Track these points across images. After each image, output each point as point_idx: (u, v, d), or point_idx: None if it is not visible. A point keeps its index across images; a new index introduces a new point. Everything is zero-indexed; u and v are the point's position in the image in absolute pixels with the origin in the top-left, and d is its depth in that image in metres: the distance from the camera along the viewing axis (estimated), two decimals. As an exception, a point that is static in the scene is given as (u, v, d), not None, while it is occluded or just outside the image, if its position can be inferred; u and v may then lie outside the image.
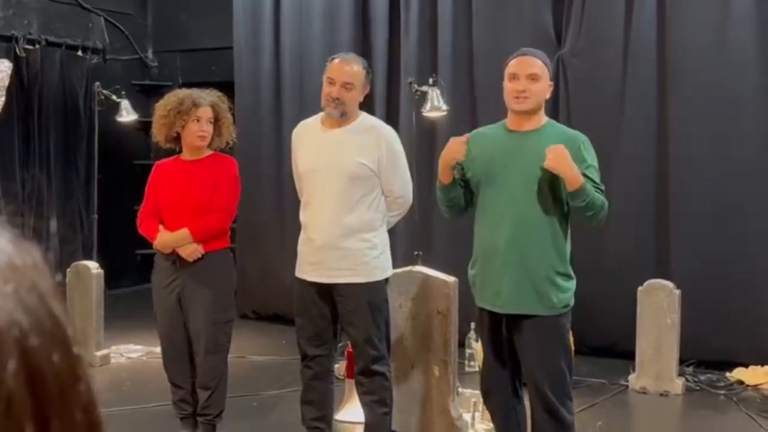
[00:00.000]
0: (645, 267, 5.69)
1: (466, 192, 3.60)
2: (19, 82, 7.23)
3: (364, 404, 3.98)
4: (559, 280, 3.42)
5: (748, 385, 5.37)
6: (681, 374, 5.35)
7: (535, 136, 3.45)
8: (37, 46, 7.47)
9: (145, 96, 8.12)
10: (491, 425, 3.93)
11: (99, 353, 5.79)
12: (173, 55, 8.66)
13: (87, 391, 0.53)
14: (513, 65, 3.48)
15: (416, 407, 4.36)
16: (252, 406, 5.05)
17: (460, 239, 4.92)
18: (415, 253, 5.17)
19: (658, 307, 5.22)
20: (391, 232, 4.10)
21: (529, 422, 3.57)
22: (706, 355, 5.59)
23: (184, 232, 4.02)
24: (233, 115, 4.42)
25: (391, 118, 6.17)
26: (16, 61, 7.09)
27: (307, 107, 5.81)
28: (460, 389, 4.76)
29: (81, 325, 5.64)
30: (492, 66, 5.29)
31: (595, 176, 3.40)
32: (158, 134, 4.14)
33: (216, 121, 4.14)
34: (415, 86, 5.46)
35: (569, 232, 3.49)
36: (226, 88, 5.01)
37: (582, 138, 3.47)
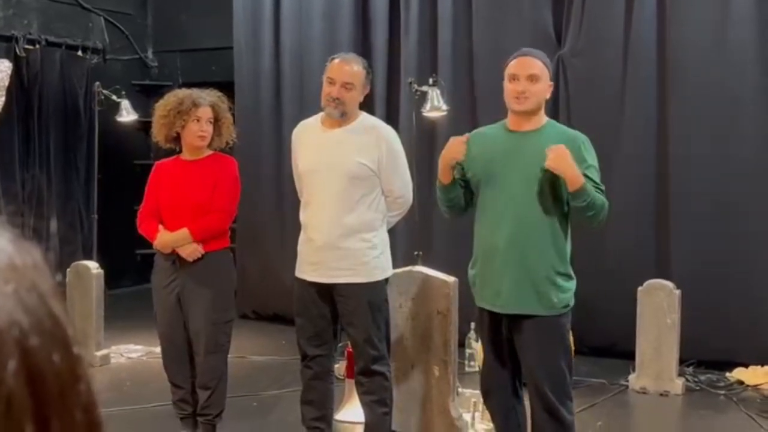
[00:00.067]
0: (645, 267, 5.69)
1: (466, 192, 3.60)
2: (19, 82, 7.23)
3: (364, 404, 3.98)
4: (559, 280, 3.42)
5: (748, 385, 5.37)
6: (681, 374, 5.35)
7: (536, 136, 3.45)
8: (37, 46, 7.47)
9: (145, 96, 8.12)
10: (491, 425, 3.93)
11: (99, 353, 5.79)
12: (173, 55, 8.66)
13: (87, 391, 0.53)
14: (513, 66, 3.47)
15: (416, 407, 4.36)
16: (252, 406, 5.05)
17: (460, 239, 4.92)
18: (415, 253, 5.17)
19: (658, 307, 5.22)
20: (391, 232, 4.10)
21: (529, 422, 3.57)
22: (706, 355, 5.59)
23: (184, 232, 4.02)
24: (233, 115, 4.42)
25: (391, 118, 6.17)
26: (16, 61, 7.09)
27: (307, 107, 5.81)
28: (460, 389, 4.76)
29: (81, 325, 5.64)
30: (492, 66, 5.29)
31: (596, 176, 3.40)
32: (158, 134, 4.14)
33: (216, 121, 4.14)
34: (415, 86, 5.46)
35: (569, 232, 3.49)
36: (226, 88, 5.01)
37: (582, 138, 3.47)
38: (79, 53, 7.89)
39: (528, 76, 3.42)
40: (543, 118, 3.53)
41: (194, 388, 4.15)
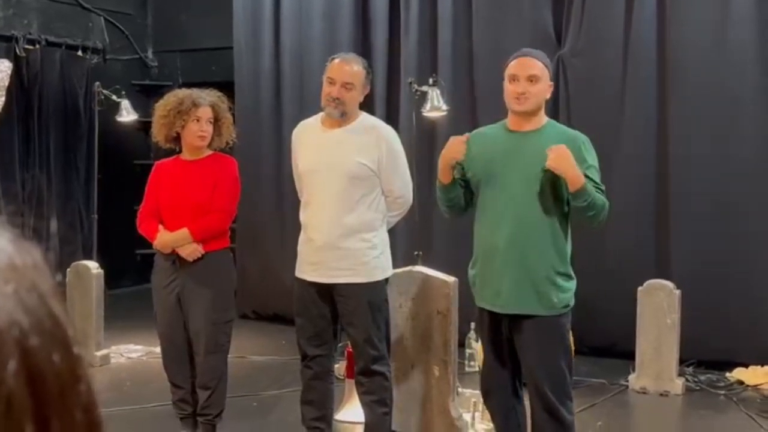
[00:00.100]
0: (645, 267, 5.69)
1: (466, 192, 3.60)
2: (19, 82, 7.23)
3: (364, 404, 3.98)
4: (560, 280, 3.42)
5: (748, 385, 5.37)
6: (681, 374, 5.35)
7: (536, 136, 3.44)
8: (37, 46, 7.47)
9: (145, 96, 8.12)
10: (491, 425, 3.93)
11: (99, 353, 5.79)
12: (173, 55, 8.66)
13: (87, 391, 0.53)
14: (513, 66, 3.47)
15: (416, 407, 4.36)
16: (252, 406, 5.05)
17: (460, 239, 4.92)
18: (415, 253, 5.17)
19: (658, 307, 5.22)
20: (391, 232, 4.10)
21: (529, 422, 3.57)
22: (706, 355, 5.59)
23: (184, 232, 4.02)
24: (233, 115, 4.42)
25: (391, 118, 6.17)
26: (16, 61, 7.09)
27: (307, 107, 5.81)
28: (460, 389, 4.76)
29: (81, 325, 5.64)
30: (492, 66, 5.29)
31: (596, 176, 3.40)
32: (158, 134, 4.14)
33: (216, 121, 4.14)
34: (415, 86, 5.46)
35: (569, 232, 3.49)
36: (226, 88, 5.01)
37: (582, 138, 3.47)
38: (79, 53, 7.89)
39: (528, 76, 3.42)
40: (543, 118, 3.53)
41: (194, 388, 4.15)
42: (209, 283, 4.05)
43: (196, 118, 4.06)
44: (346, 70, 3.79)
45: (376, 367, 3.85)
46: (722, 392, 5.28)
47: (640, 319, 5.27)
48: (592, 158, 3.43)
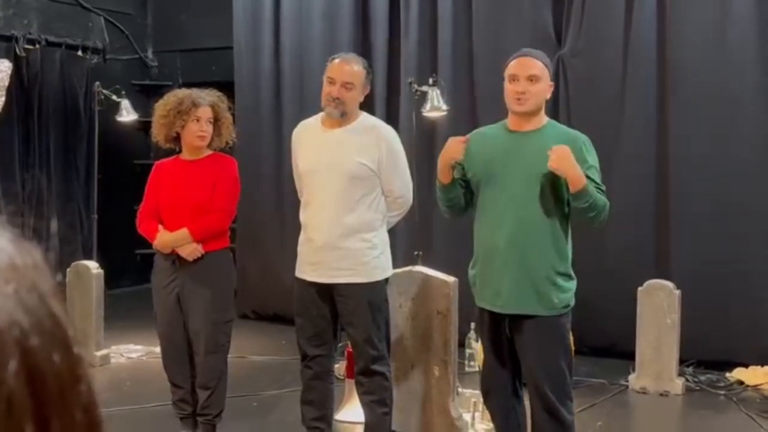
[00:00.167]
0: (645, 267, 5.69)
1: (466, 192, 3.60)
2: (19, 82, 7.23)
3: (364, 404, 3.98)
4: (560, 280, 3.42)
5: (748, 386, 5.37)
6: (681, 374, 5.35)
7: (536, 136, 3.44)
8: (37, 46, 7.47)
9: (145, 96, 8.12)
10: (491, 425, 3.93)
11: (99, 353, 5.79)
12: (173, 55, 8.66)
13: (87, 391, 0.53)
14: (513, 66, 3.47)
15: (416, 407, 4.36)
16: (252, 406, 5.05)
17: (460, 239, 4.92)
18: (415, 253, 5.17)
19: (658, 307, 5.22)
20: (391, 232, 4.10)
21: (529, 422, 3.57)
22: (706, 355, 5.59)
23: (184, 232, 4.02)
24: (233, 115, 4.42)
25: (391, 118, 6.17)
26: (16, 61, 7.09)
27: (307, 107, 5.81)
28: (460, 389, 4.76)
29: (81, 325, 5.64)
30: (492, 66, 5.29)
31: (597, 177, 3.39)
32: (158, 134, 4.14)
33: (216, 121, 4.14)
34: (415, 86, 5.46)
35: (570, 232, 3.49)
36: (226, 88, 5.01)
37: (583, 138, 3.47)
38: (79, 53, 7.89)
39: (528, 76, 3.42)
40: (543, 119, 3.53)
41: (194, 388, 4.15)
42: (209, 283, 4.05)
43: (195, 118, 4.06)
44: (347, 69, 3.79)
45: (376, 367, 3.85)
46: (722, 392, 5.28)
47: (640, 319, 5.27)
48: (593, 158, 3.43)
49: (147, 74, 8.79)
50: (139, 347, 6.20)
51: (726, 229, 5.62)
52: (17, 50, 7.29)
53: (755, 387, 5.36)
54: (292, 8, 7.00)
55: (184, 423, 4.22)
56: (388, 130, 3.93)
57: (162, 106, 4.12)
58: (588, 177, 3.31)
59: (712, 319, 5.57)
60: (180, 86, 5.86)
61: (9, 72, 6.43)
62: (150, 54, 8.83)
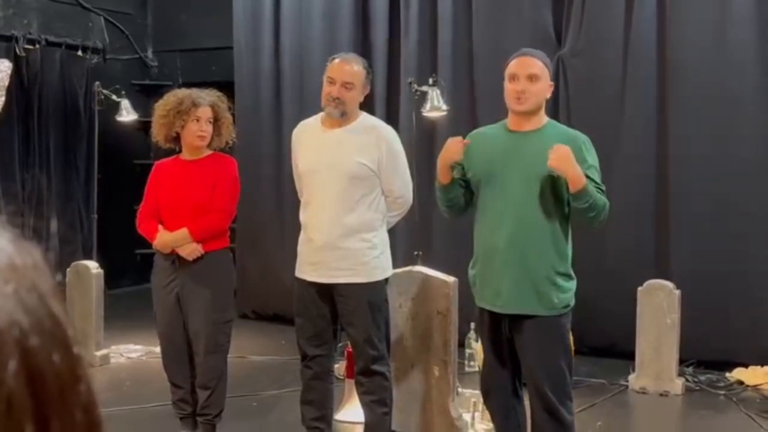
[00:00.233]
0: (645, 267, 5.69)
1: (466, 192, 3.60)
2: (19, 82, 7.23)
3: (363, 404, 3.98)
4: (560, 280, 3.42)
5: (747, 386, 5.37)
6: (681, 374, 5.35)
7: (536, 136, 3.44)
8: (37, 45, 7.47)
9: (145, 96, 8.11)
10: (491, 425, 3.93)
11: (99, 353, 5.79)
12: (173, 55, 8.66)
13: (87, 391, 0.53)
14: (513, 66, 3.47)
15: (416, 407, 4.36)
16: (252, 406, 5.05)
17: (460, 239, 4.92)
18: (415, 253, 5.17)
19: (658, 307, 5.22)
20: (391, 232, 4.10)
21: (529, 422, 3.57)
22: (706, 355, 5.59)
23: (184, 232, 4.02)
24: (233, 115, 4.42)
25: (391, 118, 6.17)
26: (16, 60, 7.09)
27: (307, 107, 5.81)
28: (460, 389, 4.76)
29: (81, 325, 5.64)
30: (492, 66, 5.29)
31: (597, 177, 3.39)
32: (158, 134, 4.14)
33: (215, 120, 4.14)
34: (415, 86, 5.46)
35: (570, 232, 3.49)
36: (226, 88, 5.01)
37: (583, 138, 3.46)
38: (79, 53, 7.89)
39: (528, 75, 3.42)
40: (543, 118, 3.53)
41: (194, 388, 4.15)
42: (209, 283, 4.05)
43: (195, 118, 4.06)
44: (347, 69, 3.79)
45: (375, 367, 3.85)
46: (722, 392, 5.28)
47: (640, 319, 5.27)
48: (593, 158, 3.43)
49: (147, 74, 8.79)
50: (138, 347, 6.20)
51: (726, 229, 5.62)
52: (17, 50, 7.29)
53: (755, 387, 5.36)
54: (292, 8, 7.00)
55: (184, 423, 4.22)
56: (388, 130, 3.93)
57: (162, 106, 4.12)
58: (588, 177, 3.30)
59: (712, 319, 5.57)
60: (180, 86, 5.85)
61: (9, 72, 6.43)
62: (150, 54, 8.83)
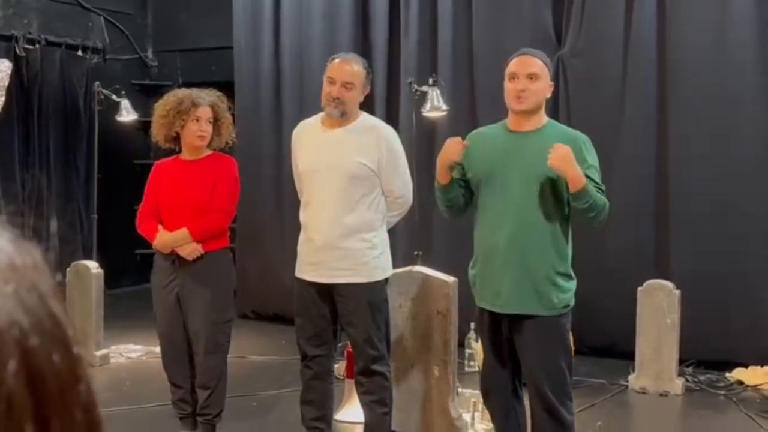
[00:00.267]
0: (645, 267, 5.69)
1: (465, 192, 3.60)
2: (19, 82, 7.23)
3: (363, 404, 3.98)
4: (560, 280, 3.42)
5: (747, 386, 5.37)
6: (681, 374, 5.35)
7: (536, 136, 3.44)
8: (37, 45, 7.47)
9: (145, 96, 8.11)
10: (491, 425, 3.93)
11: (99, 353, 5.79)
12: (173, 54, 8.66)
13: (87, 391, 0.53)
14: (512, 65, 3.48)
15: (416, 407, 4.36)
16: (251, 406, 5.05)
17: (460, 239, 4.92)
18: (415, 253, 5.17)
19: (658, 307, 5.22)
20: (391, 232, 4.10)
21: (529, 422, 3.57)
22: (705, 355, 5.59)
23: (183, 232, 4.02)
24: (233, 115, 4.42)
25: (391, 118, 6.17)
26: (16, 60, 7.09)
27: (307, 107, 5.81)
28: (459, 389, 4.76)
29: (81, 325, 5.64)
30: (492, 66, 5.29)
31: (596, 177, 3.39)
32: (157, 134, 4.14)
33: (215, 120, 4.14)
34: (415, 86, 5.46)
35: (570, 232, 3.49)
36: (226, 88, 5.01)
37: (583, 138, 3.46)
38: (79, 53, 7.89)
39: (527, 74, 3.42)
40: (543, 118, 3.53)
41: (194, 387, 4.15)
42: (209, 282, 4.05)
43: (195, 118, 4.06)
44: (347, 69, 3.79)
45: (375, 367, 3.85)
46: (722, 392, 5.28)
47: (639, 319, 5.27)
48: (593, 158, 3.43)
49: (147, 74, 8.79)
50: (138, 347, 6.20)
51: (726, 229, 5.62)
52: (17, 50, 7.29)
53: (755, 387, 5.36)
54: (292, 8, 7.00)
55: (184, 423, 4.22)
56: (388, 130, 3.93)
57: (162, 106, 4.12)
58: (588, 177, 3.30)
59: (711, 319, 5.57)
60: (180, 86, 5.85)
61: (9, 72, 6.43)
62: (150, 54, 8.83)
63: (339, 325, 3.99)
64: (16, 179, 7.28)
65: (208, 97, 4.13)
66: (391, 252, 3.98)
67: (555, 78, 4.79)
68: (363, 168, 3.76)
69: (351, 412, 4.55)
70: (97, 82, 6.93)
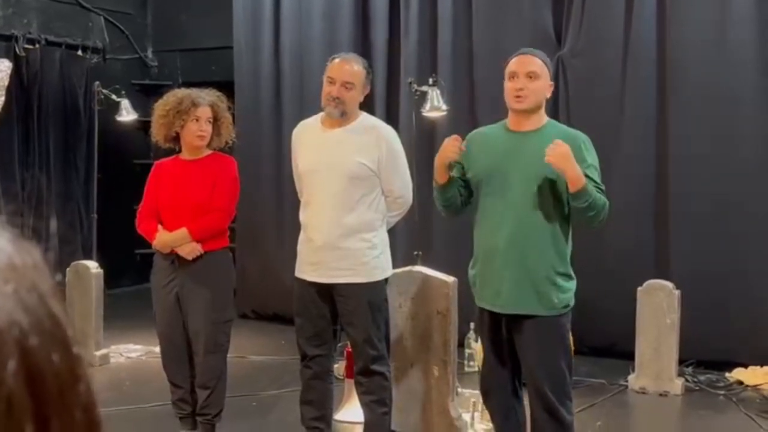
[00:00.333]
0: (645, 267, 5.69)
1: (464, 191, 3.60)
2: (19, 82, 7.22)
3: (363, 404, 3.98)
4: (560, 280, 3.42)
5: (747, 386, 5.37)
6: (680, 374, 5.35)
7: (536, 136, 3.44)
8: (37, 45, 7.47)
9: (145, 95, 8.12)
10: (491, 425, 3.93)
11: (98, 353, 5.79)
12: (173, 54, 8.66)
13: (87, 391, 0.53)
14: (512, 64, 3.48)
15: (416, 407, 4.36)
16: (251, 406, 5.05)
17: (460, 239, 4.92)
18: (415, 253, 5.17)
19: (658, 307, 5.22)
20: (391, 232, 4.10)
21: (529, 422, 3.57)
22: (705, 355, 5.59)
23: (183, 231, 4.02)
24: (233, 115, 4.42)
25: (391, 118, 6.17)
26: (15, 60, 7.08)
27: (307, 107, 5.81)
28: (459, 389, 4.76)
29: (80, 325, 5.64)
30: (492, 66, 5.29)
31: (596, 176, 3.39)
32: (157, 134, 4.14)
33: (215, 120, 4.14)
34: (415, 86, 5.46)
35: (570, 232, 3.49)
36: (226, 88, 5.01)
37: (583, 137, 3.46)
38: (79, 53, 7.89)
39: (527, 73, 3.42)
40: (543, 118, 3.53)
41: (193, 387, 4.15)
42: (208, 282, 4.05)
43: (195, 118, 4.06)
44: (347, 69, 3.79)
45: (375, 367, 3.85)
46: (722, 392, 5.28)
47: (639, 319, 5.27)
48: (593, 158, 3.43)
49: (147, 74, 8.79)
50: (138, 347, 6.20)
51: (726, 229, 5.62)
52: (17, 50, 7.29)
53: (755, 387, 5.36)
54: (292, 8, 7.00)
55: (184, 423, 4.22)
56: (388, 130, 3.93)
57: (161, 105, 4.12)
58: (587, 176, 3.30)
59: (711, 319, 5.57)
60: (180, 86, 5.85)
61: (9, 72, 6.42)
62: (150, 54, 8.83)
63: (339, 325, 3.99)
64: (15, 179, 7.28)
65: (207, 96, 4.13)
66: (391, 252, 3.98)
67: (555, 78, 4.79)
68: (363, 168, 3.76)
69: (351, 412, 4.55)
70: (97, 82, 6.93)
